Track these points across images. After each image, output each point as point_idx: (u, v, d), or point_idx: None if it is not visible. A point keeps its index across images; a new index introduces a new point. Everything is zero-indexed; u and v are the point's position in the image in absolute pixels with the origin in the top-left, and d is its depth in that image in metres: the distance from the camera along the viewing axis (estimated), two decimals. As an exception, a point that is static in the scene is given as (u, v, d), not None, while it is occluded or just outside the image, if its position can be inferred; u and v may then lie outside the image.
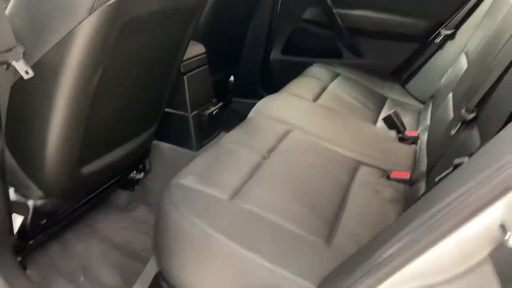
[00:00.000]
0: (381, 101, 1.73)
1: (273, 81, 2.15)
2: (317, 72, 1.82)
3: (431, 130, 1.32)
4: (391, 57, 1.97)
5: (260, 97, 1.54)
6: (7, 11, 0.81)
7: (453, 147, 0.93)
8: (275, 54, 2.15)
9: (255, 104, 1.46)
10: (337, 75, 1.83)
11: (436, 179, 0.69)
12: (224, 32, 1.85)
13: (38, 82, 0.85)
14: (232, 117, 1.95)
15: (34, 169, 1.00)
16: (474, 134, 0.87)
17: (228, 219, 0.83)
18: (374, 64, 1.99)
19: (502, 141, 0.54)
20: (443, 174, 0.67)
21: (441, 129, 1.16)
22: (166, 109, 1.46)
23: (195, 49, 1.56)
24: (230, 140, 1.16)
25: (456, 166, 0.65)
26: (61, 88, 0.85)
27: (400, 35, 1.93)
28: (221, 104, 1.72)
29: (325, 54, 2.07)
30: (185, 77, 1.49)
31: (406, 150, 1.32)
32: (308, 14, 2.05)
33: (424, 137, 1.35)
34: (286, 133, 1.24)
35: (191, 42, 1.32)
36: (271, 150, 1.14)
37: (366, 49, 2.02)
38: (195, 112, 1.56)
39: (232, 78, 2.18)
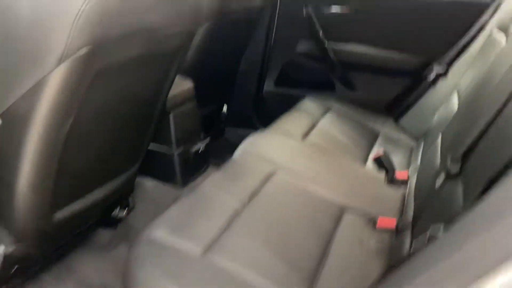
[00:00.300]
0: (373, 137, 1.70)
1: (266, 112, 2.13)
2: (309, 106, 1.79)
3: (419, 175, 1.28)
4: (385, 92, 1.94)
5: (254, 127, 1.51)
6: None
7: (437, 202, 0.89)
8: (269, 86, 2.14)
9: (248, 134, 1.43)
10: (328, 109, 1.80)
11: (411, 250, 0.66)
12: (215, 65, 1.84)
13: (6, 131, 0.83)
14: (224, 148, 1.91)
15: (4, 214, 0.97)
16: (458, 190, 0.83)
17: (197, 280, 0.79)
18: (367, 98, 1.96)
19: (474, 219, 0.50)
20: (418, 245, 0.64)
21: (428, 175, 1.12)
22: (150, 146, 1.43)
23: (182, 85, 1.53)
24: (211, 184, 1.13)
25: (430, 238, 0.61)
26: (29, 136, 0.83)
27: (394, 71, 1.91)
28: (209, 139, 1.69)
29: (318, 87, 2.06)
30: (170, 114, 1.46)
31: (394, 194, 1.28)
32: (302, 47, 2.04)
33: (413, 180, 1.31)
34: (270, 175, 1.21)
35: (178, 77, 1.29)
36: (253, 195, 1.10)
37: (359, 83, 2.00)
38: (180, 149, 1.53)
39: (225, 108, 2.16)
